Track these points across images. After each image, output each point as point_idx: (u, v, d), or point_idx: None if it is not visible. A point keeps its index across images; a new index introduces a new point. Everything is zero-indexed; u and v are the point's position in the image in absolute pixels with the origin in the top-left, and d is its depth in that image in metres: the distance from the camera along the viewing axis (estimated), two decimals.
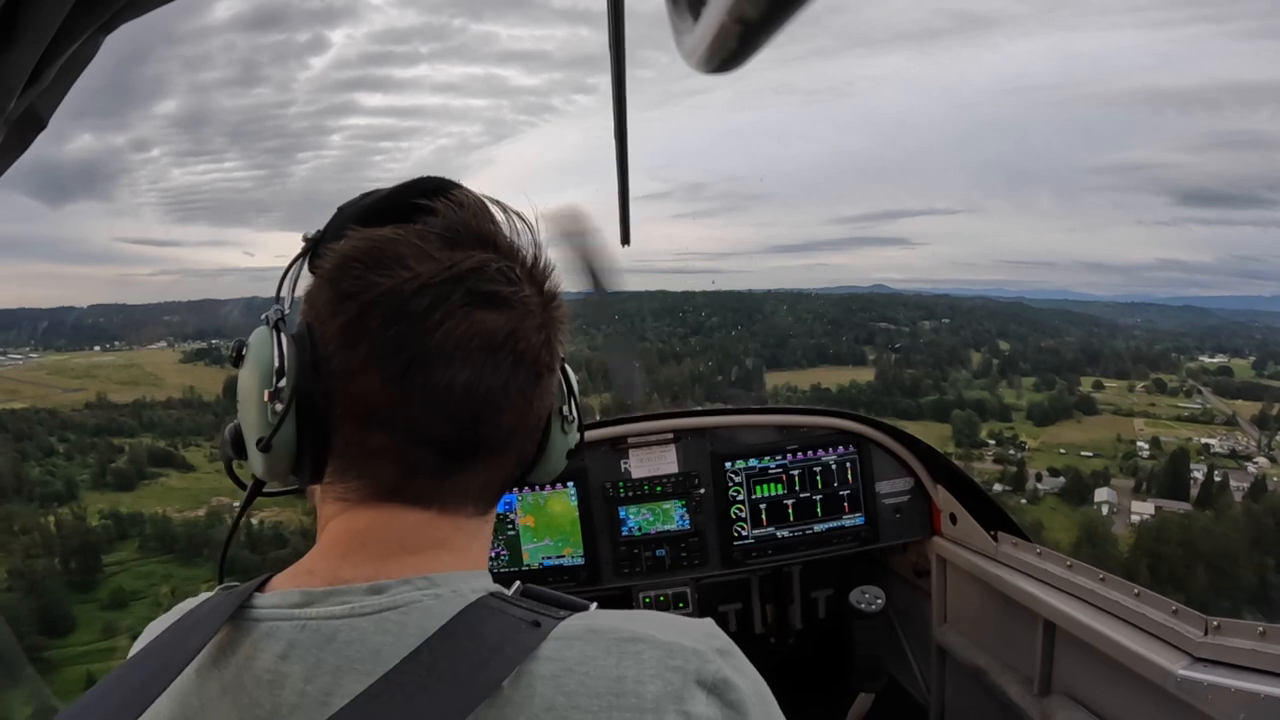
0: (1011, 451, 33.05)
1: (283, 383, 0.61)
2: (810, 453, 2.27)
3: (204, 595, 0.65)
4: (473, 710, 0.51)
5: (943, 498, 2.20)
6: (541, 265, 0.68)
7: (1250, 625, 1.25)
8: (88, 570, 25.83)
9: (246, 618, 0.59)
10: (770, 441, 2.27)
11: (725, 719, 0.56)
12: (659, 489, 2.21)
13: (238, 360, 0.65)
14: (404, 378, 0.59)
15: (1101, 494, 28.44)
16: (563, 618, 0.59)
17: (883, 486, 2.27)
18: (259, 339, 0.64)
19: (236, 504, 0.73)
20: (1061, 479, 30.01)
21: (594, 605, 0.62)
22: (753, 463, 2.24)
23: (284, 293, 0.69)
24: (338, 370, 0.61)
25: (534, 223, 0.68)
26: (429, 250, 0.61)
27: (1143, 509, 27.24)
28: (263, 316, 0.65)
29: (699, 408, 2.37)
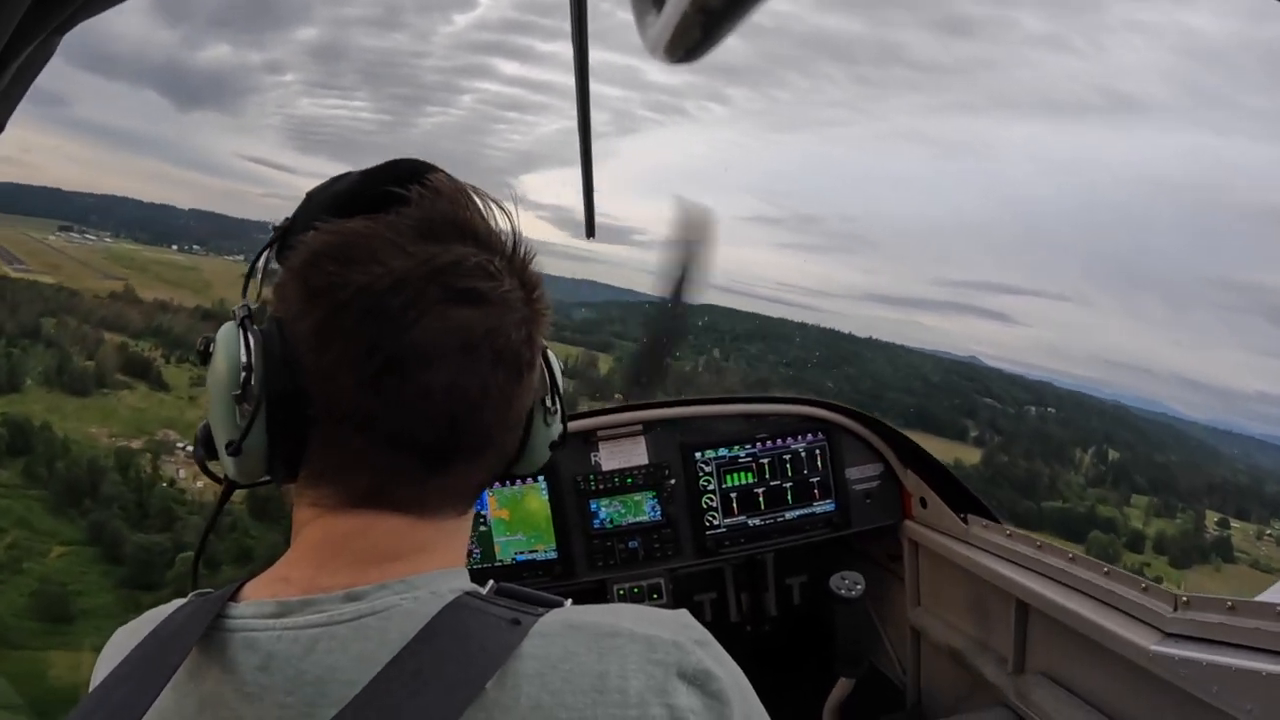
0: None
1: (251, 384, 0.59)
2: (779, 441, 2.27)
3: (176, 602, 0.63)
4: (461, 715, 0.51)
5: (912, 482, 2.21)
6: (522, 255, 0.65)
7: (1219, 600, 1.27)
8: None
9: (222, 628, 0.57)
10: (739, 430, 2.27)
11: (707, 709, 0.57)
12: (630, 481, 2.19)
13: (205, 357, 0.62)
14: (378, 380, 0.57)
15: None
16: (541, 614, 0.58)
17: (852, 472, 2.28)
18: (226, 336, 0.61)
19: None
20: None
21: (569, 601, 0.62)
22: (722, 452, 2.24)
23: (258, 286, 0.67)
24: (311, 371, 0.58)
25: (514, 211, 0.66)
26: (403, 244, 0.58)
27: None
28: (232, 310, 0.63)
29: (667, 399, 2.39)
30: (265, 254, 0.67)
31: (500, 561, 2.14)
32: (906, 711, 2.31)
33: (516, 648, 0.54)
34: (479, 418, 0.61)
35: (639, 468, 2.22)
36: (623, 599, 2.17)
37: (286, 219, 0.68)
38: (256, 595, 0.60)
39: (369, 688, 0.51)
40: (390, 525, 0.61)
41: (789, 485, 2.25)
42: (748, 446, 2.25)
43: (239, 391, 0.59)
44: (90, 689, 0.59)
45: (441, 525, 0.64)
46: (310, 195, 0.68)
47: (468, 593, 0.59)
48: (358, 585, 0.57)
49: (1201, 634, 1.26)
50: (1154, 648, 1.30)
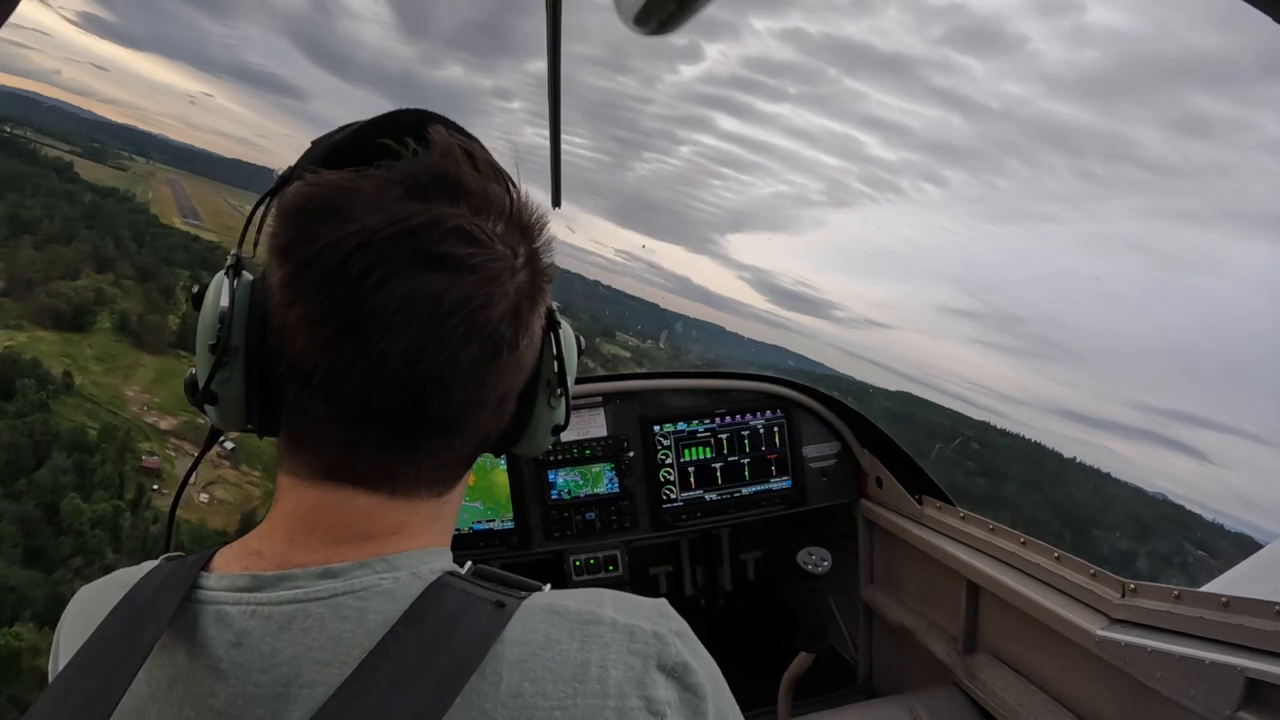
0: None
1: (224, 333, 0.59)
2: (738, 417, 2.26)
3: (147, 565, 0.61)
4: (450, 706, 0.48)
5: (868, 462, 2.22)
6: (520, 221, 0.60)
7: (1166, 589, 1.29)
8: None
9: (193, 599, 0.55)
10: (698, 405, 2.26)
11: (683, 702, 0.55)
12: (588, 452, 2.17)
13: (196, 303, 0.61)
14: (334, 344, 0.54)
15: None
16: (523, 598, 0.56)
17: (810, 450, 2.28)
18: (214, 284, 0.61)
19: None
20: None
21: (547, 586, 0.60)
22: (681, 426, 2.23)
23: (254, 236, 0.65)
24: (277, 328, 0.56)
25: (515, 173, 0.62)
26: (383, 201, 0.54)
27: None
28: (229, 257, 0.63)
29: (628, 371, 2.41)
30: (266, 204, 0.64)
31: (458, 530, 2.07)
32: (857, 687, 2.36)
33: (500, 632, 0.53)
34: (447, 394, 0.57)
35: (598, 440, 2.18)
36: (579, 570, 2.16)
37: (289, 168, 0.65)
38: (227, 568, 0.58)
39: (354, 676, 0.49)
40: (362, 503, 0.58)
41: (746, 461, 2.25)
42: (707, 421, 2.24)
43: (214, 341, 0.59)
44: (58, 654, 0.58)
45: (417, 507, 0.60)
46: (313, 143, 0.65)
47: (449, 573, 0.57)
48: (333, 562, 0.56)
49: (1147, 621, 1.29)
50: (1100, 633, 1.33)
